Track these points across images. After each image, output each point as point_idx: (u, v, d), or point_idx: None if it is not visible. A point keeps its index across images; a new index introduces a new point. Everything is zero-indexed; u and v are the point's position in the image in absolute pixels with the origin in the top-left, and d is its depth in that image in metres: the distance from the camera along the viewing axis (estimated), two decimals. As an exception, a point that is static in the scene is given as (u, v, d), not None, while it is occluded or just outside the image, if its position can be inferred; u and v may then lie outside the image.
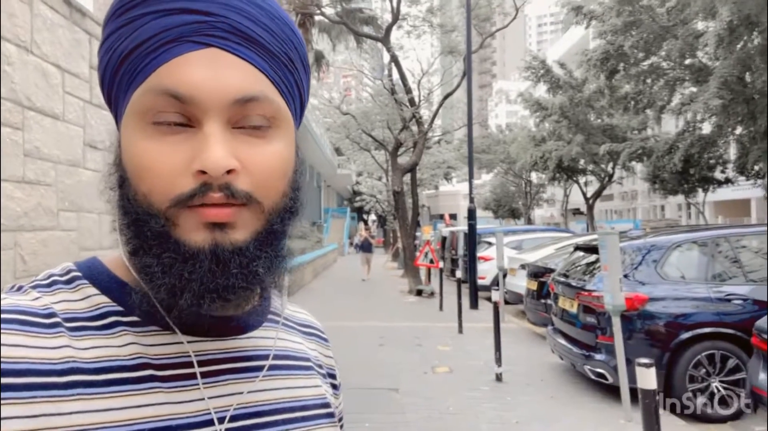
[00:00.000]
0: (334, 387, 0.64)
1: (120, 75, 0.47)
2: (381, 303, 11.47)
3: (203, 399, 0.47)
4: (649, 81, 16.67)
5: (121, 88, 0.48)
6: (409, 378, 5.58)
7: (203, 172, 0.43)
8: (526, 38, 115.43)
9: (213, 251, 0.44)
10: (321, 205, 35.67)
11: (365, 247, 16.68)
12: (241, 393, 0.50)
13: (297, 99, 0.52)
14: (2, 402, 0.38)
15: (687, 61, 15.50)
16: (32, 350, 0.41)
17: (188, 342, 0.49)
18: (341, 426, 0.64)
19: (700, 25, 14.45)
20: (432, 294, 11.91)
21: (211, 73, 0.44)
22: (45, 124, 3.36)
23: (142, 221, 0.45)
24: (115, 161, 0.49)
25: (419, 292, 12.40)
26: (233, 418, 0.49)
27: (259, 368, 0.53)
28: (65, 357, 0.43)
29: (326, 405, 0.58)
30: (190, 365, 0.48)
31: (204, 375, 0.48)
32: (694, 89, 15.60)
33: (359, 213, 41.22)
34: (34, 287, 0.47)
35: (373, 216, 44.84)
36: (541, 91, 26.11)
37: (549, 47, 66.36)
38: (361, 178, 31.61)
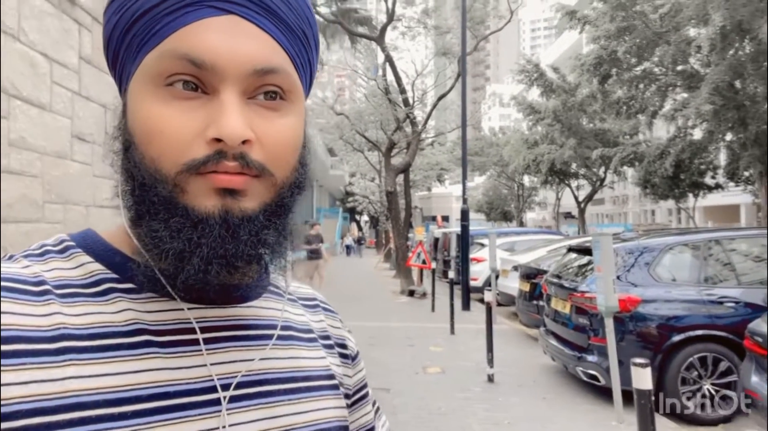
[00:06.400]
0: (344, 356, 0.62)
1: (131, 36, 0.46)
2: (372, 303, 11.42)
3: (205, 365, 0.47)
4: (641, 86, 16.76)
5: (130, 50, 0.46)
6: (401, 379, 5.54)
7: (218, 140, 0.42)
8: (519, 42, 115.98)
9: (223, 217, 0.43)
10: (314, 205, 35.60)
11: (312, 253, 11.52)
12: (246, 360, 0.49)
13: (308, 77, 0.53)
14: None
15: (679, 67, 15.60)
16: (20, 317, 0.40)
17: (178, 309, 0.48)
18: (362, 397, 0.62)
19: (692, 32, 14.56)
20: (424, 294, 11.88)
21: (231, 40, 0.44)
22: (31, 114, 3.27)
23: (148, 186, 0.44)
24: (119, 125, 0.48)
25: (411, 293, 12.37)
26: (228, 387, 0.48)
27: (261, 337, 0.52)
28: (55, 324, 0.42)
29: (331, 377, 0.57)
30: (189, 331, 0.47)
31: (205, 341, 0.48)
32: (685, 95, 15.70)
33: (351, 213, 41.14)
34: (26, 256, 0.47)
35: (365, 217, 44.80)
36: (534, 94, 26.21)
37: (542, 51, 66.70)
38: (354, 178, 31.56)
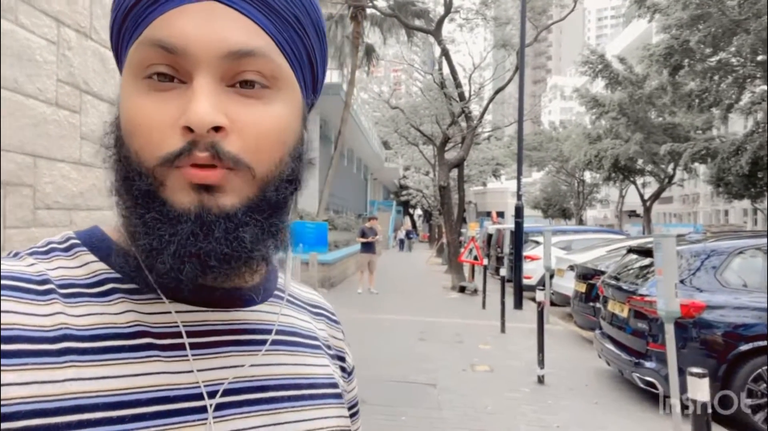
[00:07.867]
0: (343, 370, 0.61)
1: (123, 31, 0.45)
2: (423, 298, 11.40)
3: (192, 371, 0.45)
4: (716, 78, 15.74)
5: (123, 45, 0.46)
6: (448, 375, 5.51)
7: (190, 130, 0.41)
8: (584, 32, 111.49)
9: (198, 214, 0.41)
10: (367, 198, 35.93)
11: (366, 246, 11.43)
12: (241, 366, 0.48)
13: (307, 68, 0.49)
14: None
15: (759, 57, 14.49)
16: (23, 317, 0.40)
17: (179, 311, 0.47)
18: (353, 414, 0.62)
19: (776, 19, 13.48)
20: (475, 291, 11.74)
21: (205, 24, 0.42)
22: (101, 109, 3.49)
23: (131, 180, 0.43)
24: (114, 121, 0.47)
25: (462, 289, 12.26)
26: (228, 392, 0.46)
27: (262, 342, 0.51)
28: (58, 324, 0.41)
29: (334, 385, 0.55)
30: (191, 334, 0.46)
31: (202, 345, 0.46)
32: (765, 87, 14.59)
33: (405, 207, 41.23)
34: (31, 254, 0.46)
35: (419, 211, 44.76)
36: (598, 87, 25.15)
37: (608, 42, 63.87)
38: (408, 172, 31.58)
